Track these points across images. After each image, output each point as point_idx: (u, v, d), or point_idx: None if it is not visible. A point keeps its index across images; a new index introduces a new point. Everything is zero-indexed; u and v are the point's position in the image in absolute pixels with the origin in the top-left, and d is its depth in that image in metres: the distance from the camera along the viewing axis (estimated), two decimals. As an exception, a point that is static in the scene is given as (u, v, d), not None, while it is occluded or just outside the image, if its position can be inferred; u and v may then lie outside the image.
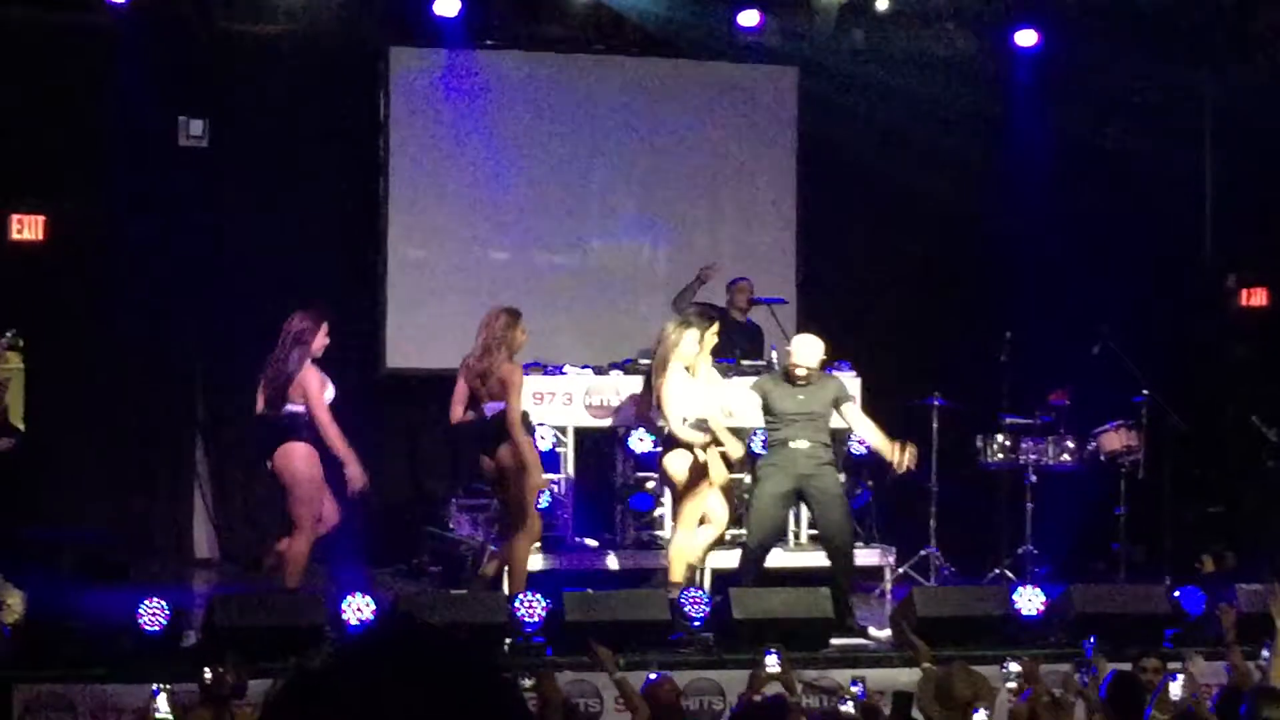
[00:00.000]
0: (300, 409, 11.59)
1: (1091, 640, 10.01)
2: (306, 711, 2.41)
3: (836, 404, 12.53)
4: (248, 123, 15.43)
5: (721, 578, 12.73)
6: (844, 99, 16.50)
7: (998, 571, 14.07)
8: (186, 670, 9.71)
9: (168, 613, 10.92)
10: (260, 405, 11.82)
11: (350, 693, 2.40)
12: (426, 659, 2.44)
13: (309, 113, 15.55)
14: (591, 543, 13.66)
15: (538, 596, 11.42)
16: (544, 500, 12.73)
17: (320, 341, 11.71)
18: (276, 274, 14.88)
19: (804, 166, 16.86)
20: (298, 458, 11.57)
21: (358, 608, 11.10)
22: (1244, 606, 11.46)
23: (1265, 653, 9.92)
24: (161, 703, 8.64)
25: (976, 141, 16.75)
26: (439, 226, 16.27)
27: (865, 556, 13.54)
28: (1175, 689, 8.75)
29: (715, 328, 12.82)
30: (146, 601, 10.92)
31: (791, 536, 13.73)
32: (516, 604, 11.33)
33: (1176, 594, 12.36)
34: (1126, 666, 9.57)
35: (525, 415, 12.21)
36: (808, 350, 12.52)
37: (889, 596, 13.11)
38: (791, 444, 12.31)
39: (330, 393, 11.67)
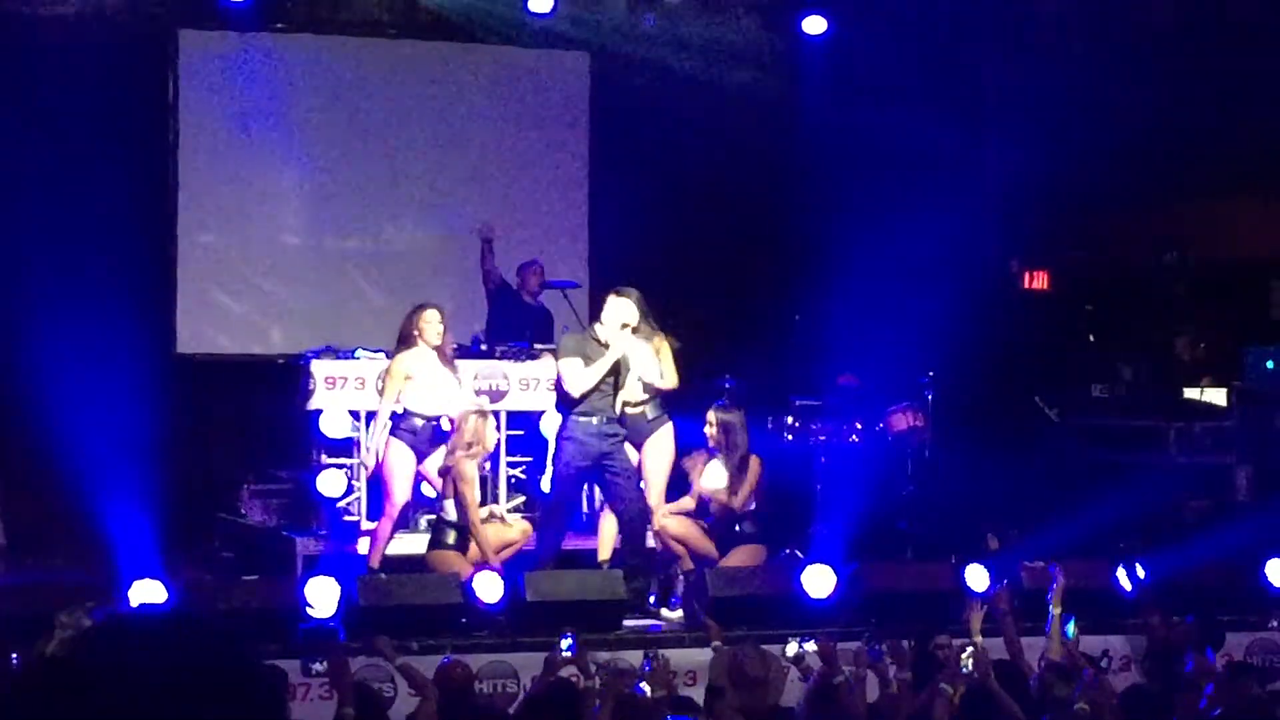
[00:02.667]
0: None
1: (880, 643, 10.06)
2: (51, 697, 2.38)
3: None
4: (33, 104, 15.17)
5: (519, 559, 12.74)
6: (636, 84, 16.62)
7: (788, 551, 14.18)
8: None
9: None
10: None
11: (94, 679, 2.39)
12: (173, 644, 2.43)
13: (97, 95, 15.30)
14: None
15: (332, 581, 11.33)
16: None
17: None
18: (65, 258, 14.67)
19: (596, 151, 16.96)
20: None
21: (148, 593, 10.95)
22: (1026, 584, 11.78)
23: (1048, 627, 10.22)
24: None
25: (768, 126, 16.92)
26: (230, 210, 16.14)
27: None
28: (965, 662, 8.96)
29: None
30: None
31: (584, 518, 13.77)
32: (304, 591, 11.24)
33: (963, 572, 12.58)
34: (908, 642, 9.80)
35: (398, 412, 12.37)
36: (630, 307, 11.90)
37: (681, 577, 13.19)
38: (593, 418, 11.88)
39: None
